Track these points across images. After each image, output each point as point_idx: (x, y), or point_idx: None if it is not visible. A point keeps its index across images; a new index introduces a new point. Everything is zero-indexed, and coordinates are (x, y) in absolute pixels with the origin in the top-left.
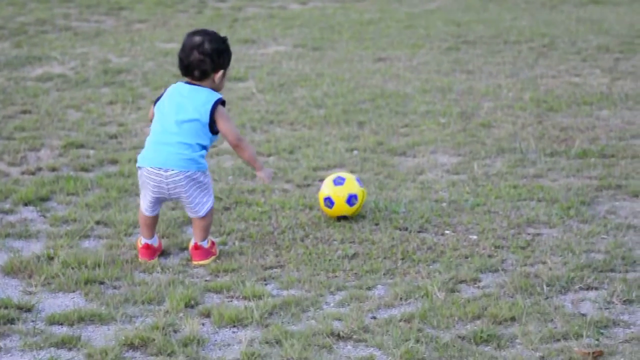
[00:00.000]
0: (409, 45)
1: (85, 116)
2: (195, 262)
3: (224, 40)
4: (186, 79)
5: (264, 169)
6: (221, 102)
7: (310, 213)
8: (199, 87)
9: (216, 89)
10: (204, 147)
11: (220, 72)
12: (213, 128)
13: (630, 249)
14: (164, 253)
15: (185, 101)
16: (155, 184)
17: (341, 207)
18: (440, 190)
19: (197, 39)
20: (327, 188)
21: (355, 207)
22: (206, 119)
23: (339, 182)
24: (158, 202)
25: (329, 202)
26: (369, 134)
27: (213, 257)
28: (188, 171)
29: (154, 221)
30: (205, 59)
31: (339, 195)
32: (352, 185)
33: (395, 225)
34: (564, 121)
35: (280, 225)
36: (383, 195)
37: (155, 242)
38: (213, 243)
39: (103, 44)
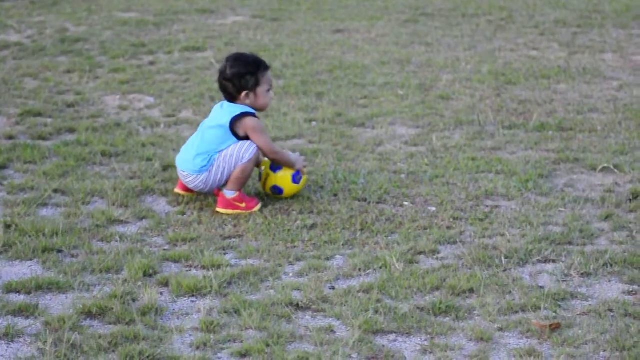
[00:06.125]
0: (367, 17)
1: (42, 85)
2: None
3: (246, 64)
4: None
5: (297, 161)
6: (249, 114)
7: None
8: (235, 104)
9: (253, 107)
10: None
11: (244, 94)
12: (236, 134)
13: (588, 222)
14: (122, 222)
15: (219, 113)
16: (182, 179)
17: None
18: (399, 162)
19: (223, 65)
20: (271, 179)
21: (303, 181)
22: (227, 124)
23: (276, 168)
24: None
25: (276, 190)
26: (328, 105)
27: (237, 212)
28: (201, 174)
29: None
30: (227, 84)
31: (286, 176)
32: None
33: (354, 196)
34: (522, 94)
35: None
36: (342, 167)
37: None
38: (242, 199)
39: (60, 12)
